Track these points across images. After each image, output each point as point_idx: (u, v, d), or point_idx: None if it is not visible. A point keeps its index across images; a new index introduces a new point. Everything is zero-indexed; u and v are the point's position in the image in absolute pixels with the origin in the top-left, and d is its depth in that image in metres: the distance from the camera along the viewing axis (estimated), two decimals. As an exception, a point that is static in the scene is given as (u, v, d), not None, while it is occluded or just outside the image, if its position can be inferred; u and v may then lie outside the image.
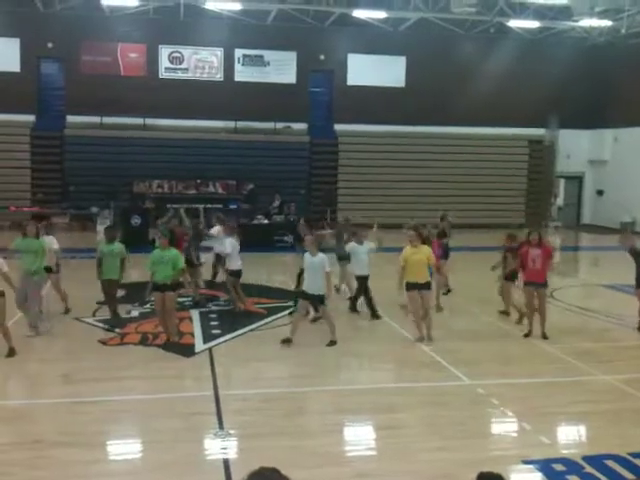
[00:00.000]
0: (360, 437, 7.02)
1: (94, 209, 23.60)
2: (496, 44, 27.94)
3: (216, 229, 13.26)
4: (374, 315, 11.64)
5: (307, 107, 28.17)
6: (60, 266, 11.53)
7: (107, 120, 26.17)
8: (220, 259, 12.97)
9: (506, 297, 11.85)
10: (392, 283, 10.38)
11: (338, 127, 28.09)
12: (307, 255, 9.82)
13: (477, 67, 27.95)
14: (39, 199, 24.91)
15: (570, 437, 7.20)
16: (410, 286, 10.07)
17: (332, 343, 9.83)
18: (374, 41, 27.24)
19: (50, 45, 26.15)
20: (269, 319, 11.45)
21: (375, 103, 27.20)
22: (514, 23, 26.59)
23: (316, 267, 9.62)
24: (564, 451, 6.54)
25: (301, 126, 28.00)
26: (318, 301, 9.86)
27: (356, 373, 9.12)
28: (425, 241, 11.76)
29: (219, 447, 6.36)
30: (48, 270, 10.65)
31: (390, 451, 6.42)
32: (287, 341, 9.78)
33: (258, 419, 7.06)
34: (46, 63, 27.14)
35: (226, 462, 6.03)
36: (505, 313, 11.99)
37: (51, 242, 11.15)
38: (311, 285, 9.69)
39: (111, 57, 26.75)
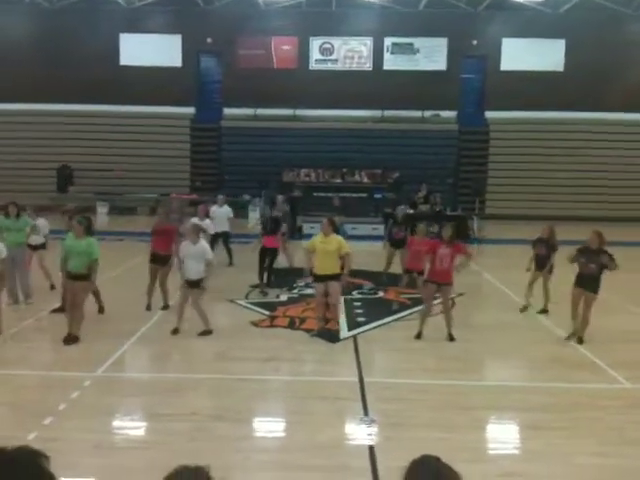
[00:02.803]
0: (509, 435, 6.77)
1: (246, 197, 24.65)
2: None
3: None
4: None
5: (457, 94, 27.56)
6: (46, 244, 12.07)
7: (260, 112, 27.22)
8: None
9: None
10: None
11: (489, 114, 27.23)
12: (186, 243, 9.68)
13: (644, 48, 25.87)
14: (197, 187, 26.46)
15: None
16: (316, 278, 9.68)
17: (206, 332, 9.57)
18: (531, 24, 26.06)
19: (209, 40, 27.59)
20: (414, 309, 11.36)
21: (531, 88, 26.04)
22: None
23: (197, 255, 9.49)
24: None
25: (450, 114, 27.45)
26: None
27: (505, 369, 8.79)
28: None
29: (364, 433, 6.40)
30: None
31: (540, 452, 6.13)
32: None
33: (404, 409, 7.01)
34: (205, 58, 28.68)
35: (371, 449, 6.05)
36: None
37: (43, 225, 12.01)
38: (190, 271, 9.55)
39: (265, 50, 27.74)
